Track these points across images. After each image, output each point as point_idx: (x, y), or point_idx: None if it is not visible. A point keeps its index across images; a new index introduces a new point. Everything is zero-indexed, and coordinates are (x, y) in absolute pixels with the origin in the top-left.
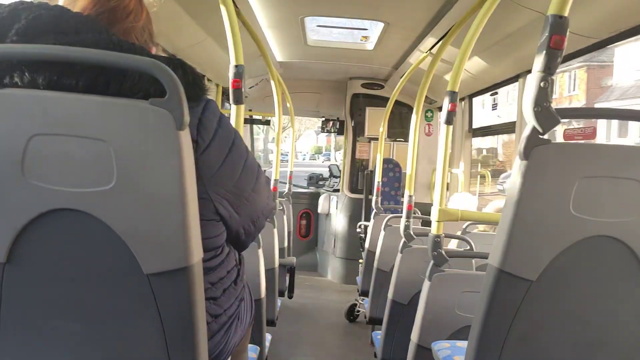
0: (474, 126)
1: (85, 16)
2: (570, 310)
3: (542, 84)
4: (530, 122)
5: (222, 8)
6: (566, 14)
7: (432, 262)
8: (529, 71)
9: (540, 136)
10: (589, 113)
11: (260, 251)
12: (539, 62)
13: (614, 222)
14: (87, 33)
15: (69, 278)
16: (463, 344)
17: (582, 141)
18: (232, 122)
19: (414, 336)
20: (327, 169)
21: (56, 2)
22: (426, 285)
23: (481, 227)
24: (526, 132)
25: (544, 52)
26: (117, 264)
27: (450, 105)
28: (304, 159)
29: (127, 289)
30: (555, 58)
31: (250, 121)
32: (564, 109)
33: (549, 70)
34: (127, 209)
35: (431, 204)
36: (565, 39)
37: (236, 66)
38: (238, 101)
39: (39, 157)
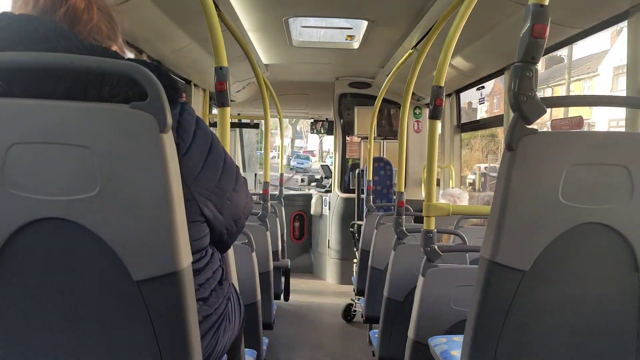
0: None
1: (52, 23)
2: (564, 298)
3: (526, 74)
4: (516, 112)
5: (203, 10)
6: (546, 2)
7: (425, 257)
8: (514, 64)
9: (527, 126)
10: (574, 101)
11: (254, 255)
12: (522, 51)
13: (603, 208)
14: (57, 40)
15: (56, 288)
16: (460, 338)
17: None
18: (218, 125)
19: (411, 333)
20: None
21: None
22: (420, 281)
23: (473, 220)
24: (512, 122)
25: (527, 41)
26: (105, 272)
27: (436, 100)
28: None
29: (117, 297)
30: (538, 47)
31: (238, 125)
32: (549, 98)
33: (532, 60)
34: (113, 215)
35: (423, 201)
36: (547, 27)
37: (220, 68)
38: (224, 104)
39: (19, 167)
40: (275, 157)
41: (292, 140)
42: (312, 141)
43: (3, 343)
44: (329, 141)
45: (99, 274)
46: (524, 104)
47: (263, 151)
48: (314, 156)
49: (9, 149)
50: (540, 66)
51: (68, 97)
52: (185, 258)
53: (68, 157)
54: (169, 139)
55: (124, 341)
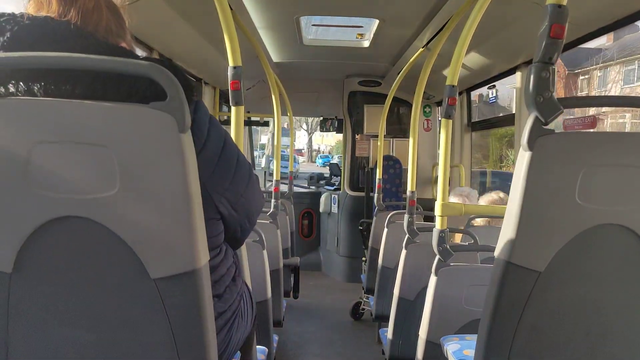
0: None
1: (68, 23)
2: (580, 299)
3: (543, 74)
4: (533, 112)
5: (218, 10)
6: (565, 2)
7: (437, 257)
8: (526, 63)
9: (544, 126)
10: (590, 102)
11: (265, 252)
12: (539, 51)
13: (620, 210)
14: (73, 39)
15: (76, 286)
16: (472, 338)
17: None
18: (232, 123)
19: (422, 332)
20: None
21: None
22: (432, 280)
23: (480, 220)
24: (529, 123)
25: (545, 41)
26: (123, 270)
27: (449, 99)
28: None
29: (134, 295)
30: (556, 47)
31: (248, 123)
32: (566, 99)
33: (550, 60)
34: (131, 214)
35: (432, 199)
36: (565, 28)
37: (234, 67)
38: (238, 103)
39: (41, 165)
40: (257, 156)
41: (274, 137)
42: (300, 138)
43: (24, 339)
44: (319, 138)
45: (118, 272)
46: (541, 104)
47: (275, 149)
48: (301, 156)
49: (31, 148)
50: (606, 39)
51: (87, 97)
52: (203, 256)
53: (88, 156)
54: (187, 139)
55: (142, 338)
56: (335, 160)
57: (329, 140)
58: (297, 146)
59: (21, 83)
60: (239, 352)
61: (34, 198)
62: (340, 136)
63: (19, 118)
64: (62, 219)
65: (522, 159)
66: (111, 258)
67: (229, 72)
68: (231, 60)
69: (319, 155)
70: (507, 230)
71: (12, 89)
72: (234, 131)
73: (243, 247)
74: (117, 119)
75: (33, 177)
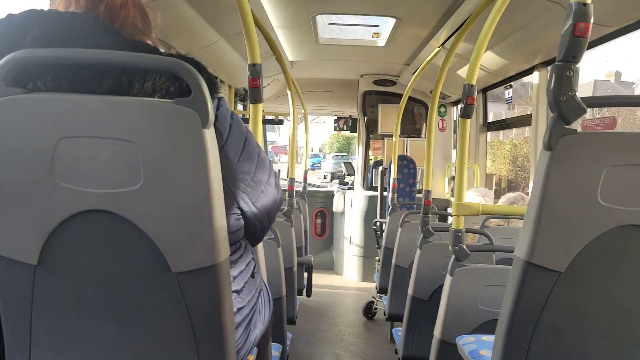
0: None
1: (96, 19)
2: (599, 301)
3: (567, 73)
4: (556, 112)
5: (238, 8)
6: (589, 0)
7: (453, 257)
8: (544, 63)
9: (566, 126)
10: (615, 101)
11: (280, 250)
12: (563, 50)
13: None
14: (101, 36)
15: (99, 278)
16: (489, 338)
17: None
18: (251, 121)
19: (437, 332)
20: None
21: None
22: (448, 280)
23: (495, 220)
24: (551, 122)
25: (568, 40)
26: (145, 264)
27: (467, 98)
28: None
29: (156, 288)
30: (580, 46)
31: (263, 121)
32: (590, 98)
33: (574, 59)
34: (155, 209)
35: (446, 199)
36: (589, 26)
37: (253, 65)
38: (256, 100)
39: (67, 159)
40: None
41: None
42: (286, 133)
43: (47, 330)
44: (314, 133)
45: (140, 265)
46: (564, 103)
47: (289, 147)
48: (284, 153)
49: (57, 143)
50: None
51: (112, 92)
52: (224, 251)
53: (113, 151)
54: (210, 134)
55: (162, 332)
56: (330, 160)
57: (321, 134)
58: (283, 142)
59: (49, 78)
60: (255, 347)
61: (60, 192)
62: (334, 131)
63: (47, 113)
64: (86, 212)
65: (543, 159)
66: (134, 252)
67: (249, 70)
68: (250, 57)
69: (311, 153)
70: (527, 230)
71: (40, 84)
72: (253, 129)
73: (260, 245)
74: (142, 114)
75: (59, 171)
